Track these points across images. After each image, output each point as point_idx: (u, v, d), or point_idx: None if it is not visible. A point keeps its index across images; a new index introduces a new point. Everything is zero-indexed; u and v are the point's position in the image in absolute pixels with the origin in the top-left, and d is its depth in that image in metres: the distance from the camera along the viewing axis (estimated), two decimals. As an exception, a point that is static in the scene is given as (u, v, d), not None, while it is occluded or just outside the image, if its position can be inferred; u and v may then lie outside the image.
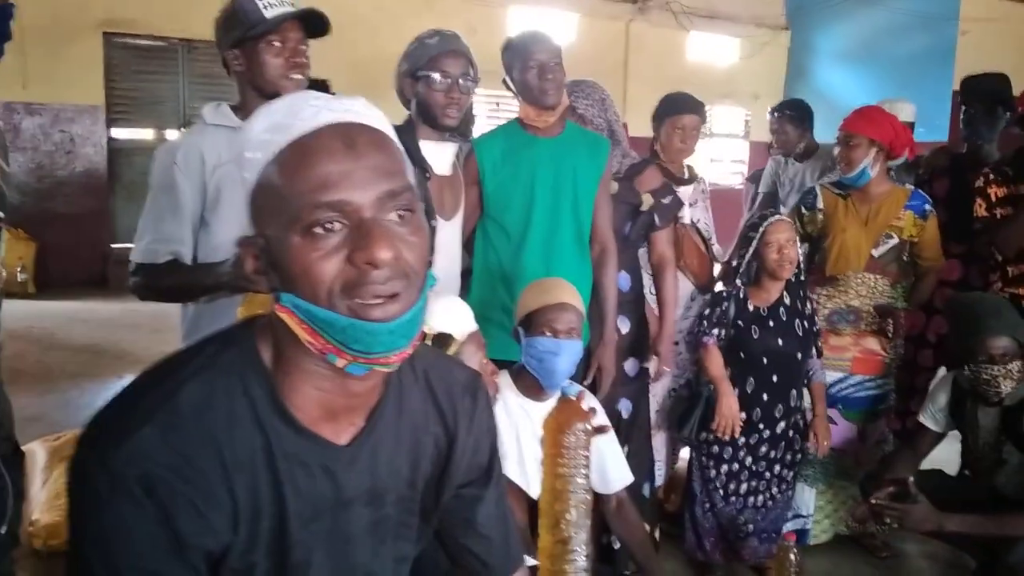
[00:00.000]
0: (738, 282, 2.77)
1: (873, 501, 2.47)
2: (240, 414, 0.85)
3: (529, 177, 2.30)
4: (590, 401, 1.82)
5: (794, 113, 4.38)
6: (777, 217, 2.76)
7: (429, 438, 1.01)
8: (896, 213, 2.89)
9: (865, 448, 2.99)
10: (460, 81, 2.14)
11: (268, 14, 1.83)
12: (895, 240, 2.88)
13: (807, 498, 3.02)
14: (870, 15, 10.28)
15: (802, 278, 2.84)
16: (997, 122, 3.35)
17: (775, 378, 2.72)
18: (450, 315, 1.72)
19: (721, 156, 11.33)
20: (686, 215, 3.07)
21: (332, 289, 0.80)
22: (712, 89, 10.63)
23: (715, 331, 2.72)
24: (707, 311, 2.76)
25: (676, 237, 2.95)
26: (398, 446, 0.97)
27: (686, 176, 3.16)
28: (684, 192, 3.06)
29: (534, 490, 1.95)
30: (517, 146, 2.34)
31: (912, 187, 2.93)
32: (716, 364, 2.71)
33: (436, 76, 2.12)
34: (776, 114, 4.44)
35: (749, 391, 2.72)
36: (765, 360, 2.72)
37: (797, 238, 2.76)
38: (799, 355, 2.75)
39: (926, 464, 2.79)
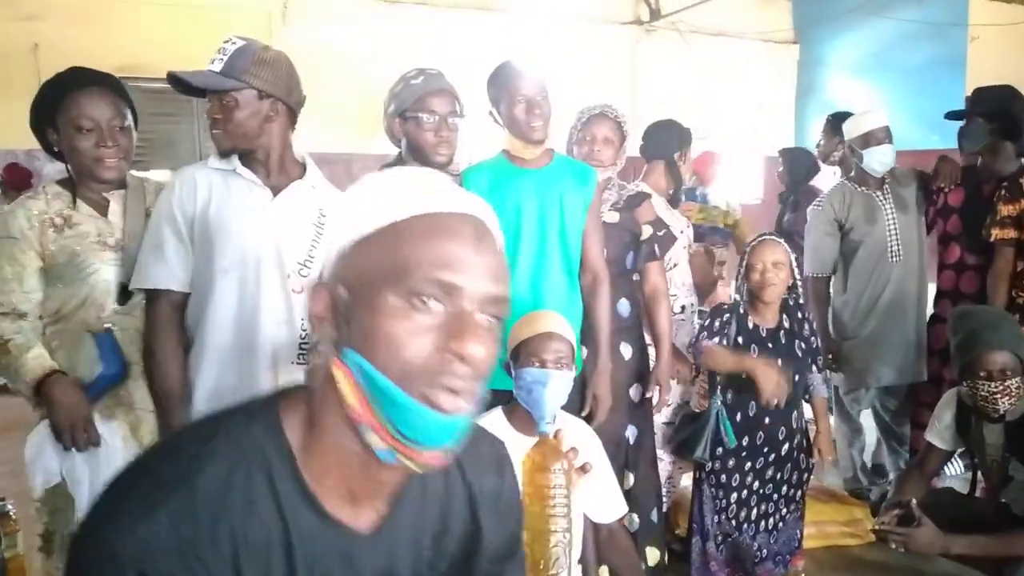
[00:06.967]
0: (737, 298, 2.75)
1: (877, 527, 2.43)
2: (260, 499, 0.82)
3: (515, 208, 2.32)
4: (576, 437, 1.81)
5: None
6: (764, 238, 2.69)
7: (456, 519, 0.97)
8: None
9: None
10: (448, 119, 2.19)
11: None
12: None
13: None
14: (878, 26, 10.23)
15: (800, 301, 2.79)
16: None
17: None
18: None
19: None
20: None
21: (412, 369, 0.78)
22: (721, 106, 10.63)
23: (715, 339, 2.66)
24: (706, 321, 2.73)
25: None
26: (421, 530, 0.93)
27: None
28: None
29: None
30: (503, 178, 2.36)
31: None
32: (724, 355, 2.62)
33: (424, 116, 2.17)
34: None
35: (751, 414, 2.68)
36: None
37: (790, 260, 2.67)
38: (797, 377, 2.72)
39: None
